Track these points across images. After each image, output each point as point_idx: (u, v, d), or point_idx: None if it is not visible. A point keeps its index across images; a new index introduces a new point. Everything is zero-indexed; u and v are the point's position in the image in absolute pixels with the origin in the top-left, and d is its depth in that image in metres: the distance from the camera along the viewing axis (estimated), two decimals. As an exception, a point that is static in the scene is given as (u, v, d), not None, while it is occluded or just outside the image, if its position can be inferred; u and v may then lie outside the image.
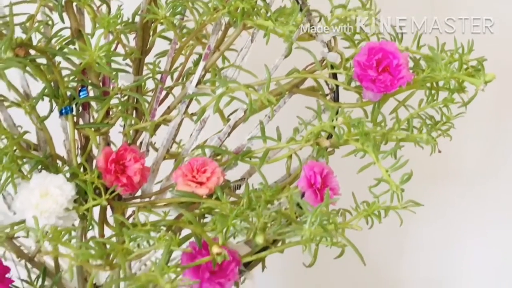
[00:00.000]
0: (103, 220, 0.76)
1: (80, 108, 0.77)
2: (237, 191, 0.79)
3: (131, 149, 0.74)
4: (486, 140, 1.35)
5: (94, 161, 0.77)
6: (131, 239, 0.66)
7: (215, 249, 0.65)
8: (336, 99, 0.78)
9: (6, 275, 0.73)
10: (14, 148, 0.72)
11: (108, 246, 0.68)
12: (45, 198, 0.70)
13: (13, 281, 0.73)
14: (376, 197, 0.68)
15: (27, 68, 0.71)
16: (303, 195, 0.70)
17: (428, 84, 0.77)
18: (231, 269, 0.72)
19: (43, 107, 0.75)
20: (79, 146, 0.77)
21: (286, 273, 1.42)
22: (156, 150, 0.80)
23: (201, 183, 0.72)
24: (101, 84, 0.76)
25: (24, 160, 0.73)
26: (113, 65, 0.72)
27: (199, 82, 0.78)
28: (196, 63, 0.85)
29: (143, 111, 0.77)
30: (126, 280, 0.67)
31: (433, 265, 1.46)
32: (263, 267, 0.82)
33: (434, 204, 1.38)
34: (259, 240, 0.68)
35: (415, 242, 1.43)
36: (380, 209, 0.69)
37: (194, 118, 0.80)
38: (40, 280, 0.77)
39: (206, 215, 0.75)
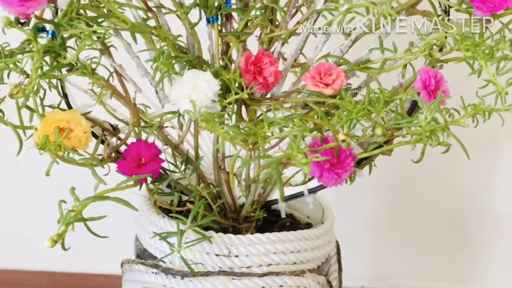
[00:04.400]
0: (239, 113, 0.89)
1: (224, 19, 0.89)
2: (354, 98, 0.91)
3: (267, 54, 0.86)
4: None
5: (233, 65, 0.90)
6: (269, 124, 0.79)
7: (341, 137, 0.77)
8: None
9: (159, 156, 0.87)
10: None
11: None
12: (195, 90, 0.82)
13: (163, 161, 0.86)
14: (481, 98, 0.79)
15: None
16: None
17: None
18: (348, 163, 0.83)
19: (192, 15, 0.88)
20: (221, 51, 0.90)
21: (381, 192, 1.53)
22: (285, 59, 0.92)
23: (327, 84, 0.83)
24: (242, -3, 0.88)
25: (177, 59, 0.87)
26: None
27: (326, 0, 0.89)
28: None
29: (277, 23, 0.89)
30: (264, 157, 0.79)
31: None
32: (370, 168, 0.94)
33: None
34: (378, 131, 0.79)
35: (503, 174, 1.51)
36: (485, 110, 0.79)
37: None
38: (183, 165, 0.91)
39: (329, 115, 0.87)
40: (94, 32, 0.80)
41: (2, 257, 1.58)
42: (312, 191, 0.94)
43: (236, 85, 0.85)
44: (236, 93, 0.83)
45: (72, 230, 0.75)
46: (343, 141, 0.77)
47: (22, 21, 0.81)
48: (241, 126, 0.85)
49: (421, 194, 1.55)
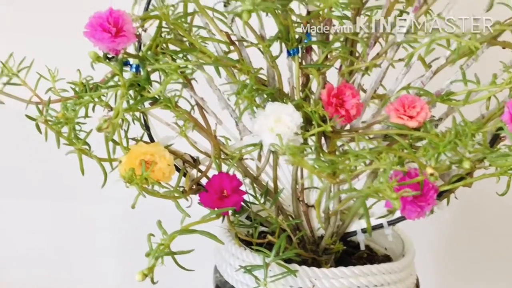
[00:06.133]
0: (319, 146, 0.88)
1: (304, 51, 0.89)
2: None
3: (349, 86, 0.86)
4: None
5: (312, 97, 0.90)
6: (354, 157, 0.79)
7: (429, 170, 0.76)
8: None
9: (240, 188, 0.87)
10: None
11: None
12: (278, 123, 0.83)
13: (245, 193, 0.87)
14: None
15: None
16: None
17: None
18: (430, 195, 0.82)
19: (272, 48, 0.88)
20: (301, 83, 0.90)
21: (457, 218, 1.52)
22: (364, 91, 0.92)
23: (411, 117, 0.83)
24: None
25: (258, 92, 0.87)
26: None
27: (407, 31, 0.88)
28: (399, 15, 0.94)
29: (358, 55, 0.89)
30: (351, 191, 0.79)
31: None
32: (448, 201, 0.93)
33: None
34: (466, 165, 0.79)
35: None
36: None
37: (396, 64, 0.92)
38: (263, 197, 0.91)
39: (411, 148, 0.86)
40: (179, 66, 0.81)
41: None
42: (392, 223, 0.94)
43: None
44: (319, 126, 0.83)
45: (161, 264, 0.76)
46: (431, 174, 0.76)
47: (109, 56, 0.83)
48: (323, 159, 0.85)
49: (485, 221, 1.53)
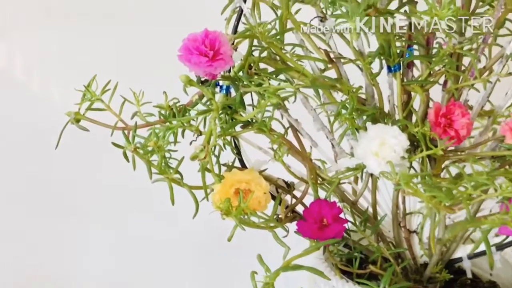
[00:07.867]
0: (425, 170, 0.82)
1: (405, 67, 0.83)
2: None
3: (459, 105, 0.79)
4: None
5: (414, 116, 0.83)
6: (474, 185, 0.72)
7: (559, 197, 0.70)
8: None
9: (340, 216, 0.81)
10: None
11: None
12: (383, 147, 0.77)
13: (347, 221, 0.81)
14: None
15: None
16: None
17: None
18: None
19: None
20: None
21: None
22: (470, 107, 0.85)
23: (530, 137, 0.76)
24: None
25: (359, 113, 0.81)
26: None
27: (517, 43, 0.82)
28: (499, 27, 0.88)
29: (464, 69, 0.82)
30: (471, 222, 0.72)
31: None
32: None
33: None
34: None
35: None
36: None
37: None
38: (362, 224, 0.85)
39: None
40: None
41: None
42: (500, 248, 0.87)
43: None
44: (428, 148, 0.77)
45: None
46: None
47: (202, 79, 0.77)
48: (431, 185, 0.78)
49: None
